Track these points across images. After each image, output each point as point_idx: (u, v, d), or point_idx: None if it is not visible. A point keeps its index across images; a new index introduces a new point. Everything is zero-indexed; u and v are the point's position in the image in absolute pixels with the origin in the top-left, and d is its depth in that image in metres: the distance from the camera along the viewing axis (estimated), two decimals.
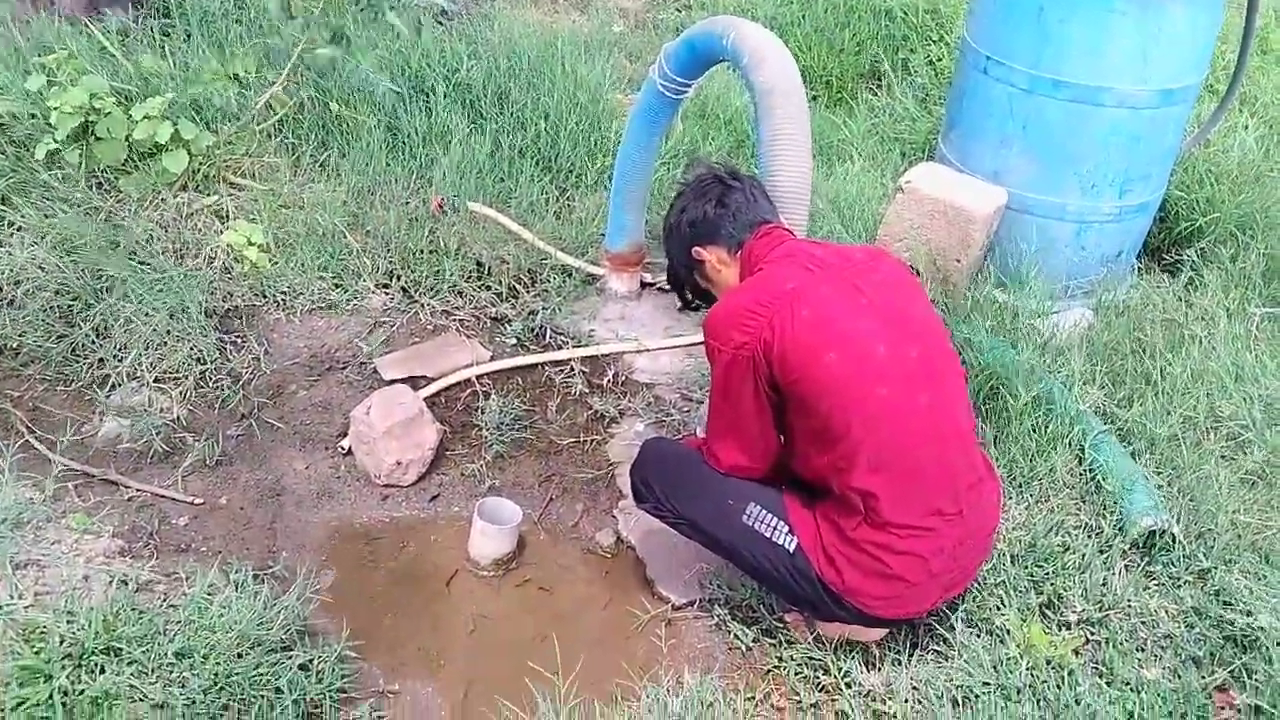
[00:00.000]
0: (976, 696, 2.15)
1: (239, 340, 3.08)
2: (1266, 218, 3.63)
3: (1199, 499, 2.55)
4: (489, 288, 3.43)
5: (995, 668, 2.21)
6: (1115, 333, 3.18)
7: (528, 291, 3.46)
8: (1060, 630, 2.30)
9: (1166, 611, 2.31)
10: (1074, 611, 2.32)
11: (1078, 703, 2.09)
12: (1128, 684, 2.14)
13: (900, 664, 2.25)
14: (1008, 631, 2.31)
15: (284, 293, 3.26)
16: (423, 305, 3.33)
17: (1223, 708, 2.15)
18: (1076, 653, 2.21)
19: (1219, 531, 2.47)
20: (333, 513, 2.64)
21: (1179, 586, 2.38)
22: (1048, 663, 2.18)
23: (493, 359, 3.18)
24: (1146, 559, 2.45)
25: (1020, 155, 3.40)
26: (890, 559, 2.02)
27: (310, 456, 2.78)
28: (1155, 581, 2.40)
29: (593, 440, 2.97)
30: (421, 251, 3.44)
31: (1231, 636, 2.26)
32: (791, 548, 2.11)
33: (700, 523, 2.23)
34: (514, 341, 3.29)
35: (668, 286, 3.55)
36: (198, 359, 2.94)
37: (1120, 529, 2.47)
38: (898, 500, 1.98)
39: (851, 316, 1.99)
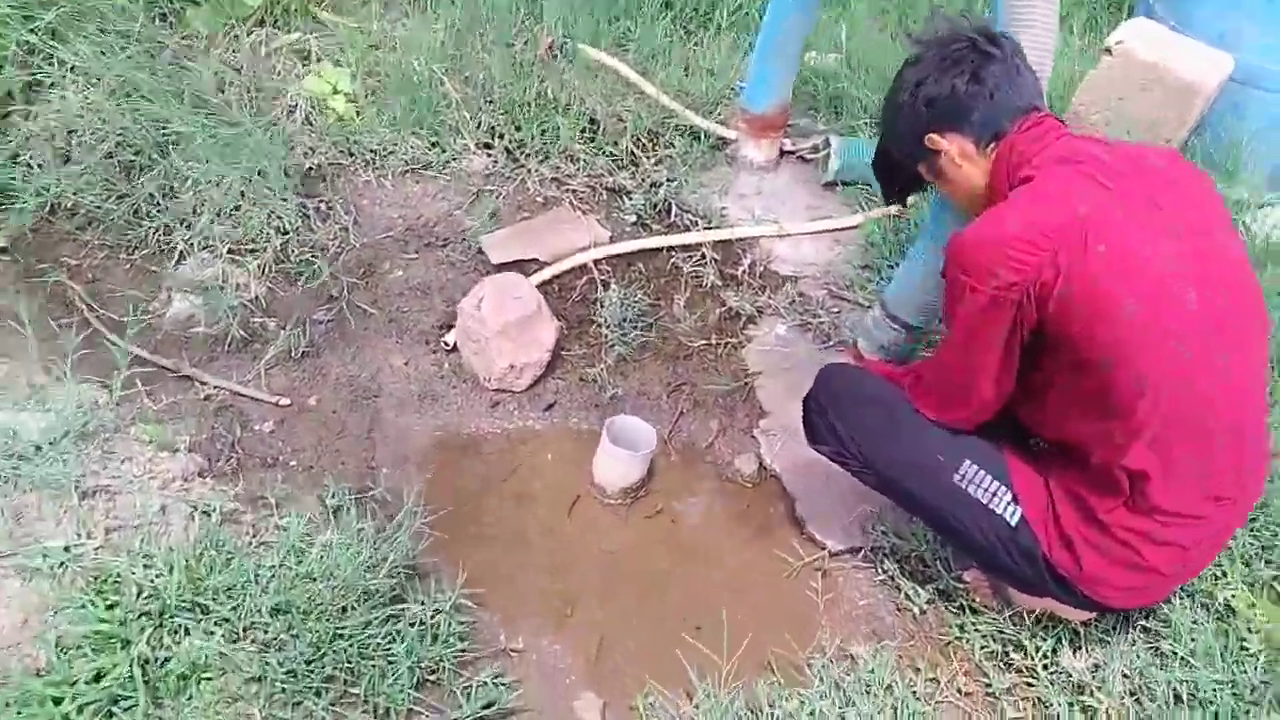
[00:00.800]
0: (1203, 695, 1.79)
1: (323, 207, 2.67)
2: None
3: None
4: (604, 151, 2.96)
5: (1224, 659, 1.85)
6: None
7: (648, 158, 2.98)
8: None
9: None
10: None
11: None
12: None
13: (1108, 644, 1.89)
14: (1232, 610, 1.94)
15: (373, 151, 2.82)
16: (530, 171, 2.87)
17: None
18: None
19: None
20: (437, 420, 2.28)
21: None
22: None
23: (612, 240, 2.74)
24: None
25: (1253, 15, 2.79)
26: (1148, 549, 1.63)
27: (409, 351, 2.41)
28: None
29: (727, 344, 2.56)
30: (528, 105, 2.95)
31: None
32: (1014, 520, 1.73)
33: (895, 476, 1.85)
34: (634, 219, 2.84)
35: (811, 155, 3.07)
36: (277, 228, 2.54)
37: None
38: (1175, 484, 1.57)
39: (1158, 253, 1.51)
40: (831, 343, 2.55)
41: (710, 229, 2.79)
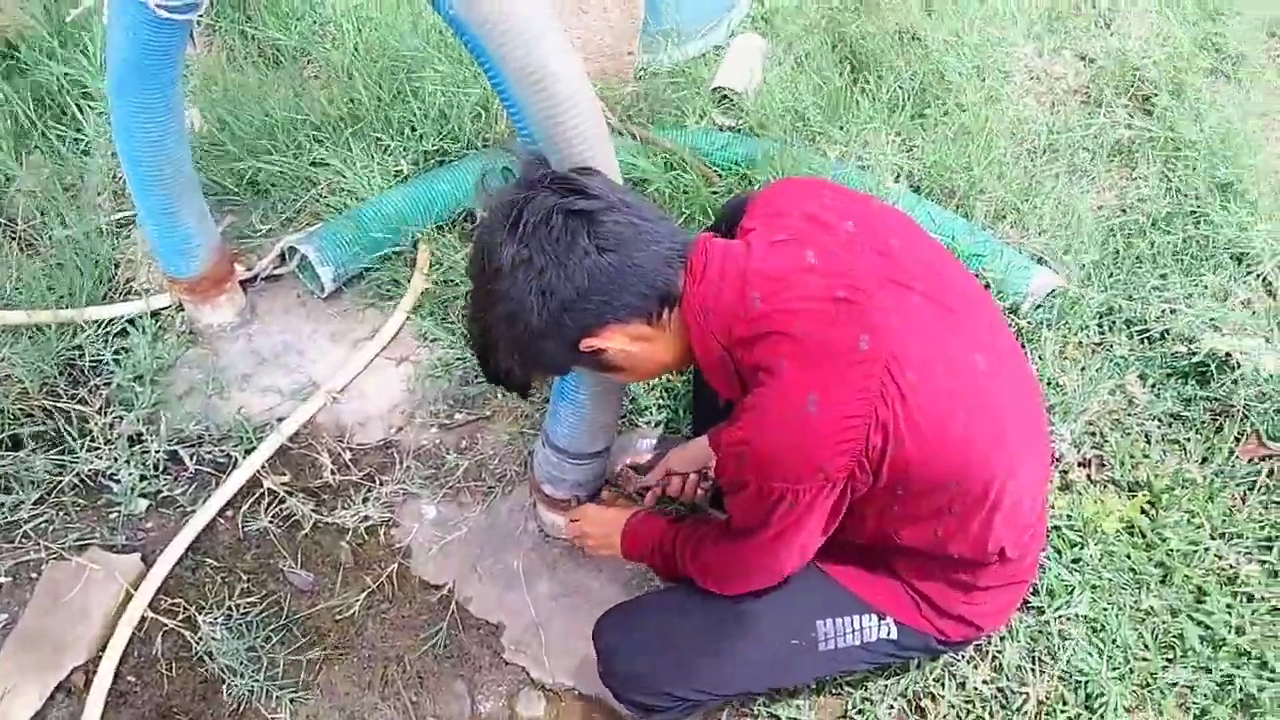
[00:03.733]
0: (1090, 612, 1.81)
1: None
2: None
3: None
4: (25, 444, 2.01)
5: (1075, 567, 1.87)
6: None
7: (90, 407, 2.07)
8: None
9: None
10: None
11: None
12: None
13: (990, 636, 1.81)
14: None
15: None
16: None
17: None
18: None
19: None
20: None
21: None
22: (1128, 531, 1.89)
23: (146, 560, 1.90)
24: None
25: None
26: (1027, 571, 1.54)
27: None
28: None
29: (389, 573, 1.94)
30: None
31: None
32: (894, 634, 1.53)
33: (759, 688, 1.61)
34: (145, 505, 1.98)
35: (279, 271, 2.35)
36: None
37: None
38: (1036, 512, 1.45)
39: (938, 333, 1.25)
40: (501, 489, 2.03)
41: (250, 452, 2.04)
